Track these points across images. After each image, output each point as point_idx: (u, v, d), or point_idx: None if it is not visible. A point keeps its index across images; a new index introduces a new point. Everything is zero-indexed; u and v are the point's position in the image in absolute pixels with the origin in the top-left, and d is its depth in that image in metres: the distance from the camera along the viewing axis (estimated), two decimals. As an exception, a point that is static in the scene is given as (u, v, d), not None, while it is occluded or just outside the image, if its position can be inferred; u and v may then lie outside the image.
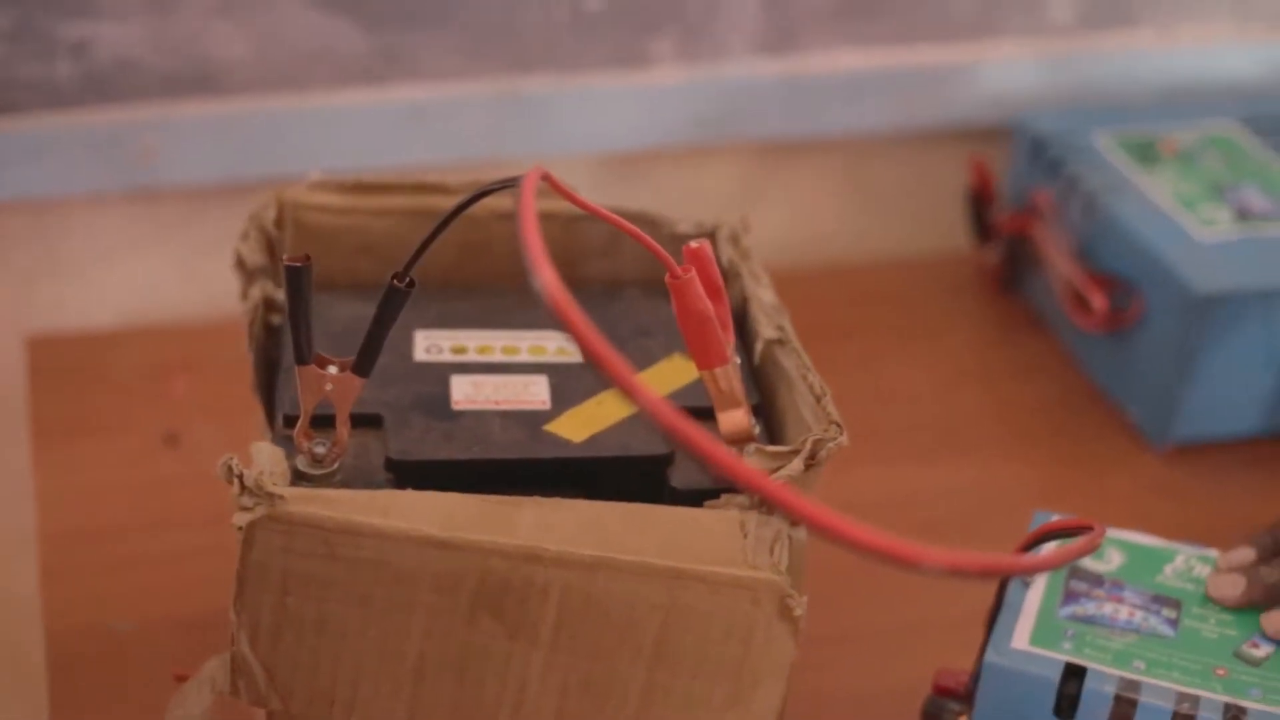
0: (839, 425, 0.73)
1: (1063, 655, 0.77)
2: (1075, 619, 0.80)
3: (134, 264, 1.18)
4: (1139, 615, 0.80)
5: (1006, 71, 1.26)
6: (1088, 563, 0.83)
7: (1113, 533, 0.85)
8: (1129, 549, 0.84)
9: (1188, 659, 0.78)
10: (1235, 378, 1.06)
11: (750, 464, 0.73)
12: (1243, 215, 1.11)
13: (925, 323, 1.21)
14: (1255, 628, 0.80)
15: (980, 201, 1.21)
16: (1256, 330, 1.05)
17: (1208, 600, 0.81)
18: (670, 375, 0.81)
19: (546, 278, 0.59)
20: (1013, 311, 1.21)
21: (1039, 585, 0.81)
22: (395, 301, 0.72)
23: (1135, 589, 0.82)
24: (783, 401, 0.77)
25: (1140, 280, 1.08)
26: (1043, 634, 0.79)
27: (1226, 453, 1.08)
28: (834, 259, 1.29)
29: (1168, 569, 0.83)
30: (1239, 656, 0.78)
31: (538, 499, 0.70)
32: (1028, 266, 1.19)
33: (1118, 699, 0.76)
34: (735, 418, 0.73)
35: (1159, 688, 0.76)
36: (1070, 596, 0.81)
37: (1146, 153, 1.17)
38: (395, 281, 0.72)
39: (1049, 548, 0.78)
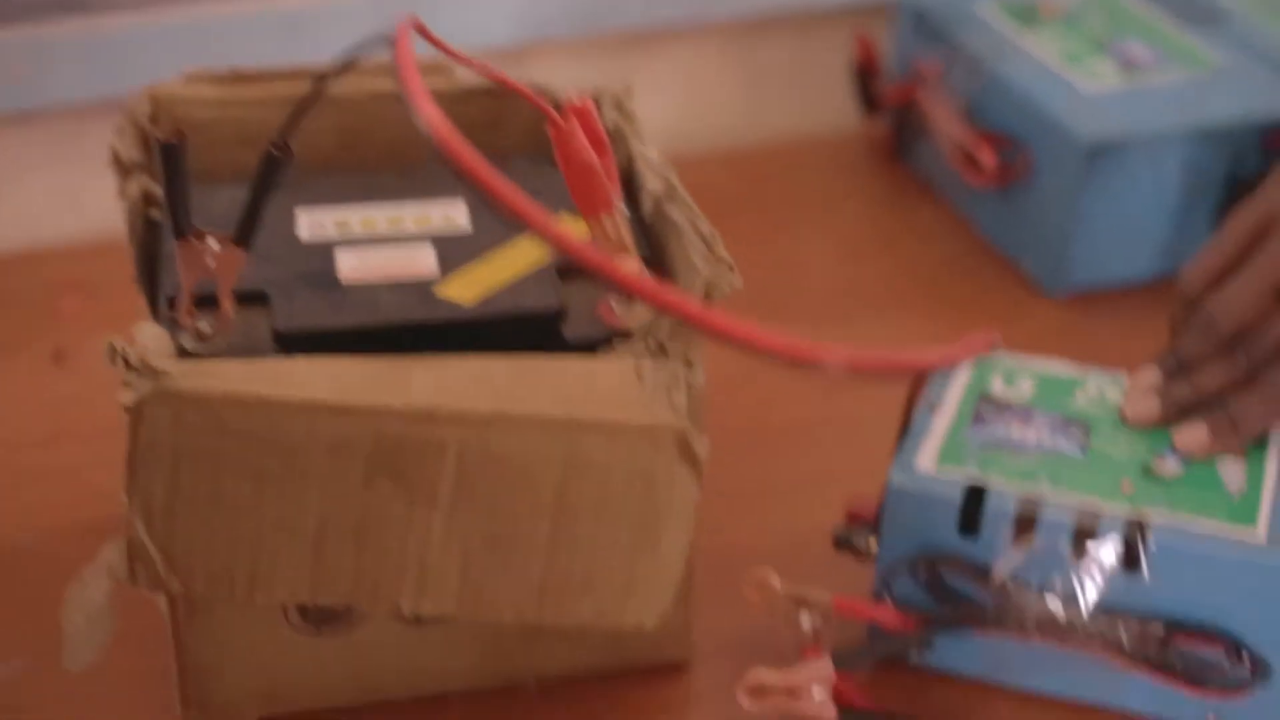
0: (731, 267, 0.72)
1: (966, 475, 0.78)
2: (982, 442, 0.80)
3: (17, 187, 1.16)
4: (1047, 437, 0.80)
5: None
6: (999, 391, 0.83)
7: (1024, 361, 0.85)
8: (1040, 378, 0.84)
9: (1094, 476, 0.78)
10: (1125, 224, 1.07)
11: (639, 311, 0.73)
12: (1127, 67, 1.11)
13: (820, 196, 1.20)
14: (1165, 446, 0.80)
15: (866, 75, 1.21)
16: (1144, 175, 1.05)
17: (1120, 423, 0.81)
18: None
19: (429, 113, 0.58)
20: (904, 179, 1.21)
21: (947, 411, 0.82)
22: (273, 169, 0.71)
23: (1045, 414, 0.82)
24: (673, 252, 0.77)
25: (1028, 136, 1.08)
26: (948, 456, 0.79)
27: (1121, 298, 1.08)
28: (723, 144, 1.28)
29: (1078, 394, 0.83)
30: (1147, 473, 0.78)
31: (429, 358, 0.70)
32: (916, 135, 1.19)
33: (1020, 515, 0.76)
34: (625, 265, 0.73)
35: (1061, 503, 0.76)
36: (979, 421, 0.81)
37: (1028, 16, 1.17)
38: (273, 150, 0.70)
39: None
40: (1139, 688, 0.77)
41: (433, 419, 0.67)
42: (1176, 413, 0.81)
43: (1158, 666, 0.76)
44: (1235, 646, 0.75)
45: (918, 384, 0.82)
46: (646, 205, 0.80)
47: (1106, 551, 0.75)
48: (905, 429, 0.81)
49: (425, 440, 0.67)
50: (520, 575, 0.70)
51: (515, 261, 0.76)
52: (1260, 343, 0.81)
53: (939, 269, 1.12)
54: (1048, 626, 0.76)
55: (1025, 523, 0.76)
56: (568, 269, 0.75)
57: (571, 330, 0.74)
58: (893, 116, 1.20)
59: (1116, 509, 0.76)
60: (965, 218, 1.15)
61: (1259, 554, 0.74)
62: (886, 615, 0.77)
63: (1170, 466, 0.79)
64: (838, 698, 0.75)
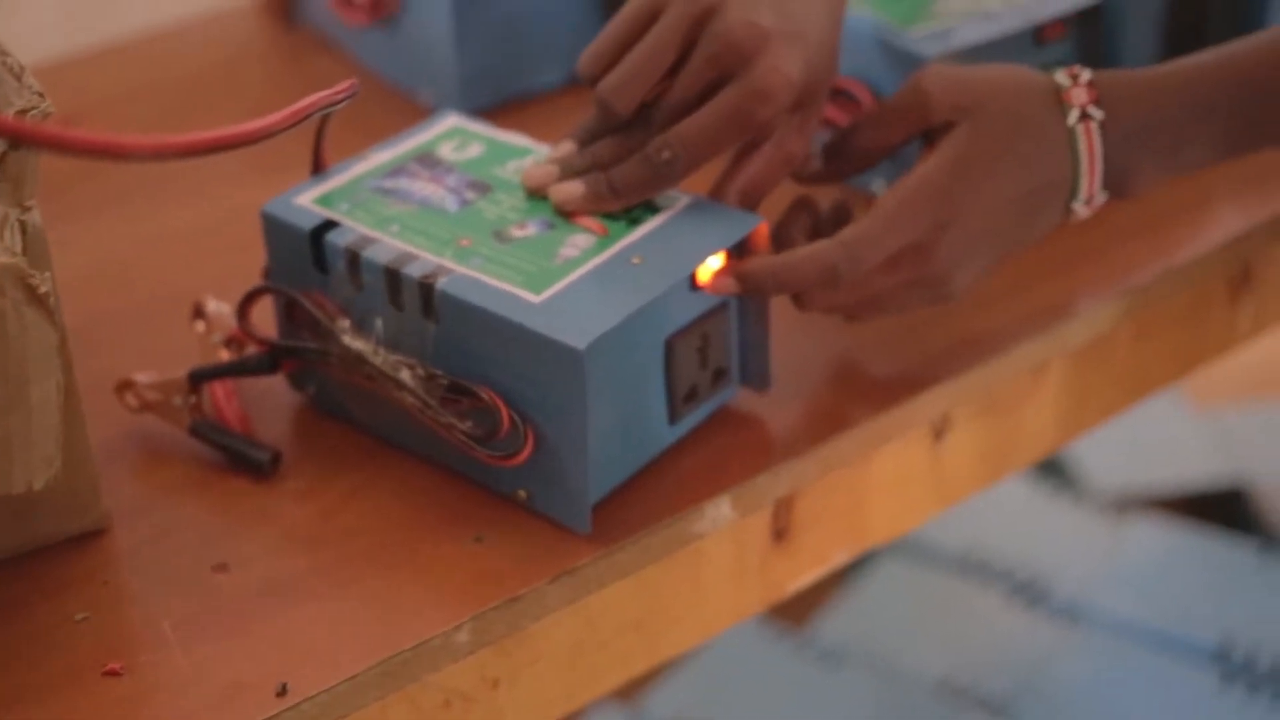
0: (42, 95, 0.70)
1: (327, 213, 0.80)
2: (379, 190, 0.82)
3: None
4: (439, 194, 0.82)
5: None
6: (445, 153, 0.85)
7: (492, 133, 0.87)
8: (491, 144, 0.86)
9: (444, 229, 0.80)
10: (514, 33, 1.08)
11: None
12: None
13: (221, 72, 1.18)
14: (542, 214, 0.81)
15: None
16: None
17: (520, 188, 0.83)
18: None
19: None
20: (301, 38, 1.20)
21: (372, 162, 0.85)
22: None
23: (462, 174, 0.84)
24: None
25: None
26: (336, 197, 0.82)
27: (537, 105, 1.09)
28: (120, 36, 1.24)
29: (513, 164, 0.85)
30: (496, 234, 0.80)
31: None
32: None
33: (349, 250, 0.79)
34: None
35: (385, 244, 0.79)
36: (397, 174, 0.84)
37: None
38: None
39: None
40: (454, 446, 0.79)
41: None
42: (570, 179, 0.83)
43: (443, 422, 0.77)
44: (502, 407, 0.76)
45: (319, 136, 0.83)
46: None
47: (412, 296, 0.77)
48: (317, 172, 0.84)
49: None
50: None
51: None
52: (650, 116, 0.83)
53: (350, 115, 1.11)
54: (354, 365, 0.78)
55: (353, 257, 0.78)
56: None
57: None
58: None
59: (430, 255, 0.78)
60: (362, 60, 1.15)
61: (521, 313, 0.75)
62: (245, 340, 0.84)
63: (523, 232, 0.80)
64: (201, 411, 0.83)
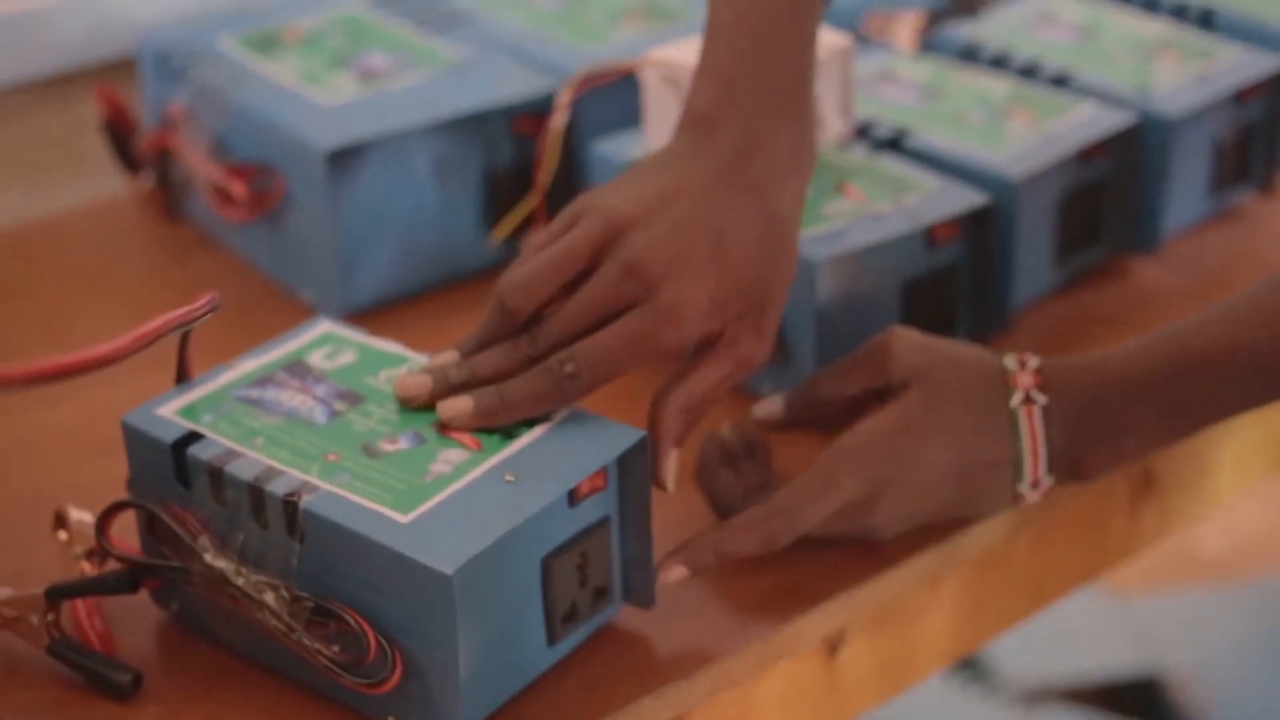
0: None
1: (188, 424, 0.77)
2: (244, 400, 0.79)
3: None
4: (308, 405, 0.79)
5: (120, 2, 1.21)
6: (316, 361, 0.82)
7: (364, 339, 0.84)
8: (365, 351, 0.83)
9: (310, 443, 0.77)
10: (391, 231, 1.05)
11: None
12: (366, 78, 1.10)
13: (100, 268, 1.14)
14: (414, 426, 0.78)
15: (118, 132, 1.17)
16: (394, 177, 1.04)
17: (393, 399, 0.80)
18: None
19: None
20: (182, 233, 1.17)
21: (241, 369, 0.81)
22: None
23: (331, 384, 0.81)
24: None
25: (275, 159, 1.06)
26: (200, 407, 0.79)
27: (421, 305, 1.07)
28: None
29: (385, 372, 0.82)
30: (365, 448, 0.77)
31: None
32: (183, 184, 1.15)
33: (211, 465, 0.75)
34: None
35: (250, 459, 0.75)
36: (265, 384, 0.80)
37: (269, 44, 1.15)
38: None
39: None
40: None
41: None
42: (446, 390, 0.79)
43: (309, 646, 0.73)
44: (369, 632, 0.72)
45: (183, 345, 0.80)
46: None
47: (276, 514, 0.74)
48: (180, 381, 0.81)
49: None
50: None
51: None
52: (546, 327, 0.81)
53: (229, 315, 1.08)
54: (217, 585, 0.75)
55: (216, 473, 0.75)
56: None
57: None
58: (156, 169, 1.16)
59: (296, 474, 0.74)
60: (244, 257, 1.12)
61: (388, 534, 0.72)
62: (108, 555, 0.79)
63: (396, 445, 0.77)
64: (60, 629, 0.79)
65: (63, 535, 0.84)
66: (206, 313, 0.75)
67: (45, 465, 0.94)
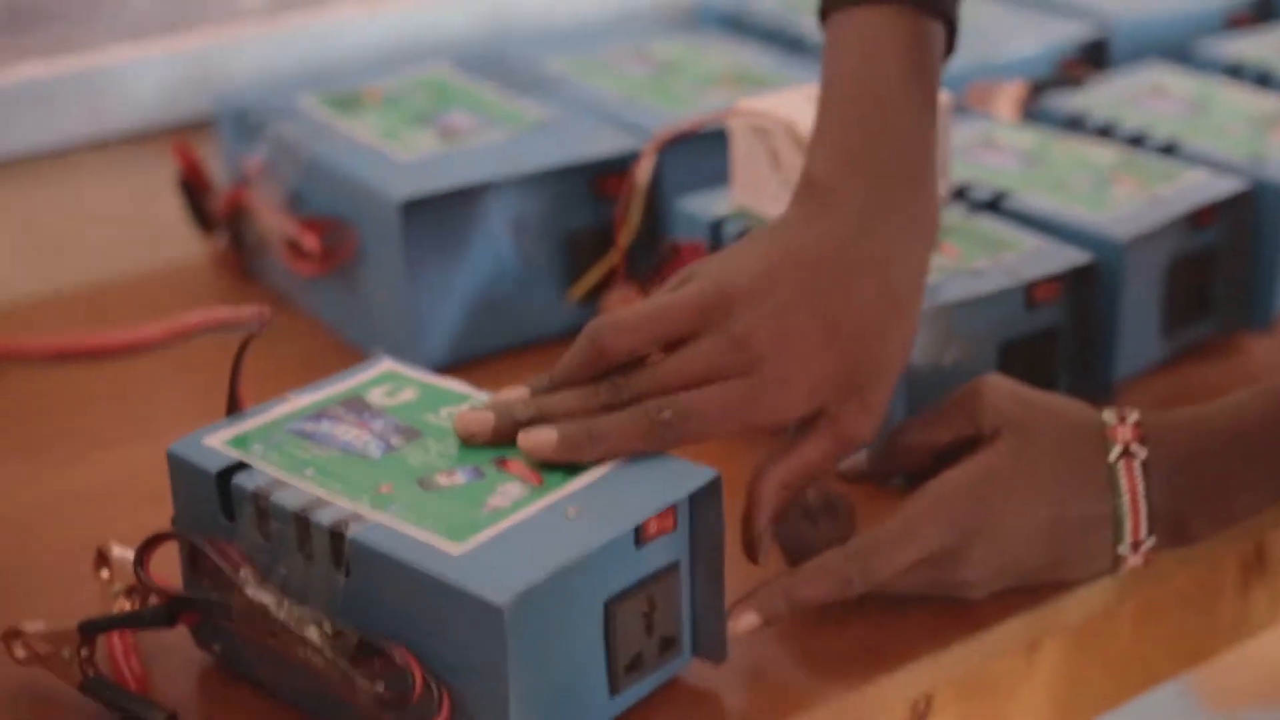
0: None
1: (236, 454, 0.73)
2: (297, 432, 0.75)
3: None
4: (364, 439, 0.75)
5: (205, 62, 1.19)
6: (375, 398, 0.78)
7: (425, 377, 0.80)
8: (427, 390, 0.79)
9: (364, 475, 0.72)
10: (466, 292, 1.02)
11: None
12: (446, 135, 1.07)
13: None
14: (474, 461, 0.74)
15: (194, 190, 1.14)
16: (471, 231, 1.01)
17: (452, 435, 0.75)
18: None
19: None
20: (257, 294, 1.13)
21: (296, 402, 0.78)
22: None
23: (390, 419, 0.77)
24: None
25: (350, 213, 1.02)
26: (250, 438, 0.75)
27: (493, 366, 1.03)
28: (68, 285, 1.17)
29: (445, 410, 0.77)
30: (420, 481, 0.72)
31: None
32: (256, 243, 1.12)
33: (257, 494, 0.71)
34: None
35: (297, 489, 0.71)
36: (319, 417, 0.76)
37: (350, 103, 1.12)
38: None
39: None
40: None
41: None
42: (510, 428, 0.75)
43: (353, 684, 0.68)
44: (416, 669, 0.67)
45: (234, 375, 0.77)
46: None
47: (321, 545, 0.69)
48: (231, 412, 0.77)
49: None
50: None
51: None
52: (637, 376, 0.77)
53: (295, 369, 1.04)
54: (256, 619, 0.70)
55: (261, 501, 0.71)
56: None
57: None
58: (229, 227, 1.13)
59: (345, 504, 0.70)
60: (318, 316, 1.09)
61: (438, 564, 0.67)
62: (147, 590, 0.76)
63: (453, 479, 0.72)
64: (95, 666, 0.75)
65: (104, 574, 0.80)
66: (253, 322, 0.71)
67: (93, 513, 0.90)
